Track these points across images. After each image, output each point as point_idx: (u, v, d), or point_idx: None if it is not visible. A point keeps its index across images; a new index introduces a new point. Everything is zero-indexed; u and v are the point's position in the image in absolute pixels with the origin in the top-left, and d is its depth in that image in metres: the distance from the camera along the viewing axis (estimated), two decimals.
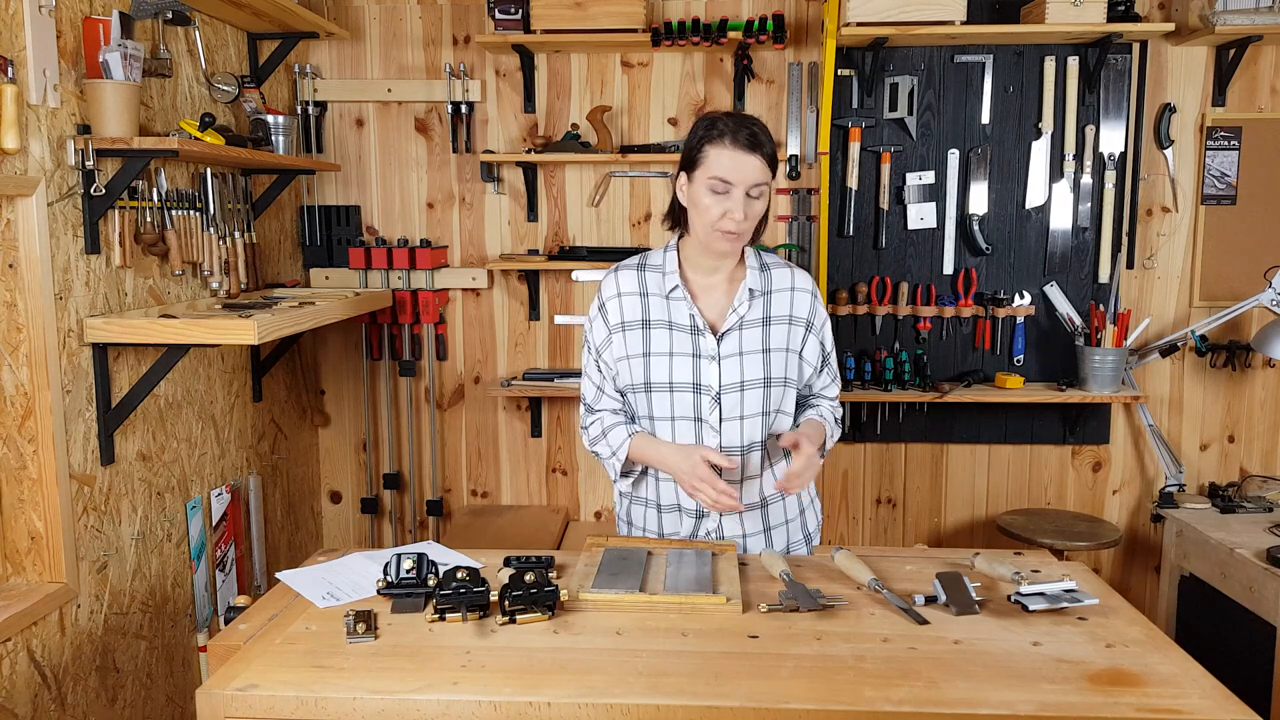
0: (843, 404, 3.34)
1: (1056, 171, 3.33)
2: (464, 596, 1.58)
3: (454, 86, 3.38)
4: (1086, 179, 3.32)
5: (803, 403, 2.02)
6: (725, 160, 1.77)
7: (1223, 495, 3.31)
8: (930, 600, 1.64)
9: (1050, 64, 3.27)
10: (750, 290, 1.89)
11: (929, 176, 3.35)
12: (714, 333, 1.89)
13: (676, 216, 1.92)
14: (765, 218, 1.88)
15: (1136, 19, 3.11)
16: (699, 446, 1.84)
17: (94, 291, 2.31)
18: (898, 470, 3.56)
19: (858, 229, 3.40)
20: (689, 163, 1.83)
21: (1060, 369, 3.39)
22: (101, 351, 2.31)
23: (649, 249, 2.60)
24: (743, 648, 1.49)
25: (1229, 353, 3.38)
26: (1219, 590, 2.87)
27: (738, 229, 1.79)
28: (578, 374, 2.88)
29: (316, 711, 1.35)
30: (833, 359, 2.03)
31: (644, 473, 1.98)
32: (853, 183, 3.35)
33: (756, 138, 1.77)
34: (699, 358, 1.88)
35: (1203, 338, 3.32)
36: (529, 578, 1.59)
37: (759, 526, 1.98)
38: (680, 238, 1.94)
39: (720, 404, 1.88)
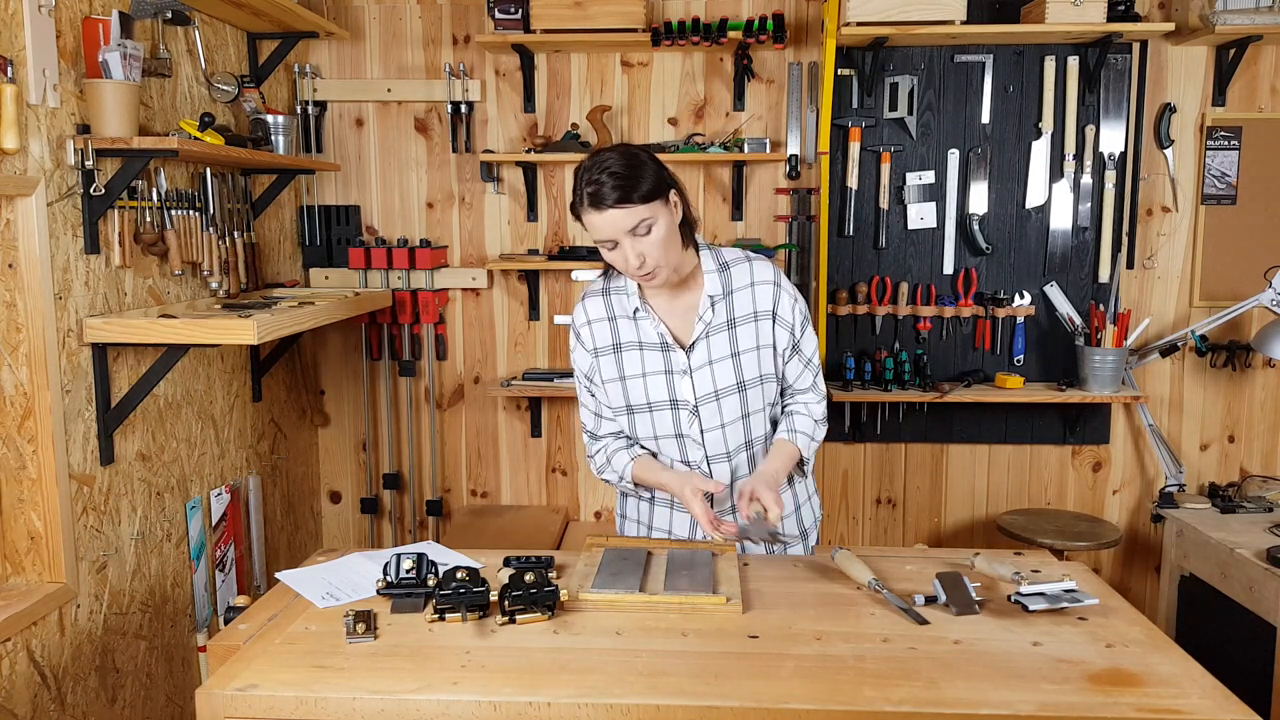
0: (842, 404, 3.39)
1: (1056, 171, 3.33)
2: (464, 596, 1.58)
3: (454, 86, 3.38)
4: (1086, 179, 3.32)
5: (780, 401, 2.00)
6: (594, 223, 1.76)
7: (1223, 495, 3.31)
8: (930, 600, 1.64)
9: (1050, 64, 3.27)
10: (711, 298, 1.89)
11: (929, 176, 3.35)
12: (683, 347, 1.90)
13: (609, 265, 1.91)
14: (689, 222, 1.86)
15: (1136, 19, 3.11)
16: (693, 475, 1.86)
17: (93, 291, 2.31)
18: (898, 470, 3.55)
19: (858, 229, 3.40)
20: None
21: (1060, 369, 3.39)
22: (101, 351, 2.31)
23: None
24: (743, 648, 1.49)
25: (1229, 353, 3.38)
26: (1219, 590, 2.87)
27: (643, 270, 1.79)
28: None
29: (316, 711, 1.35)
30: (807, 346, 1.96)
31: None
32: (853, 182, 3.35)
33: (613, 191, 1.71)
34: (671, 374, 1.89)
35: (1203, 338, 3.32)
36: (529, 578, 1.59)
37: None
38: None
39: (699, 415, 1.89)
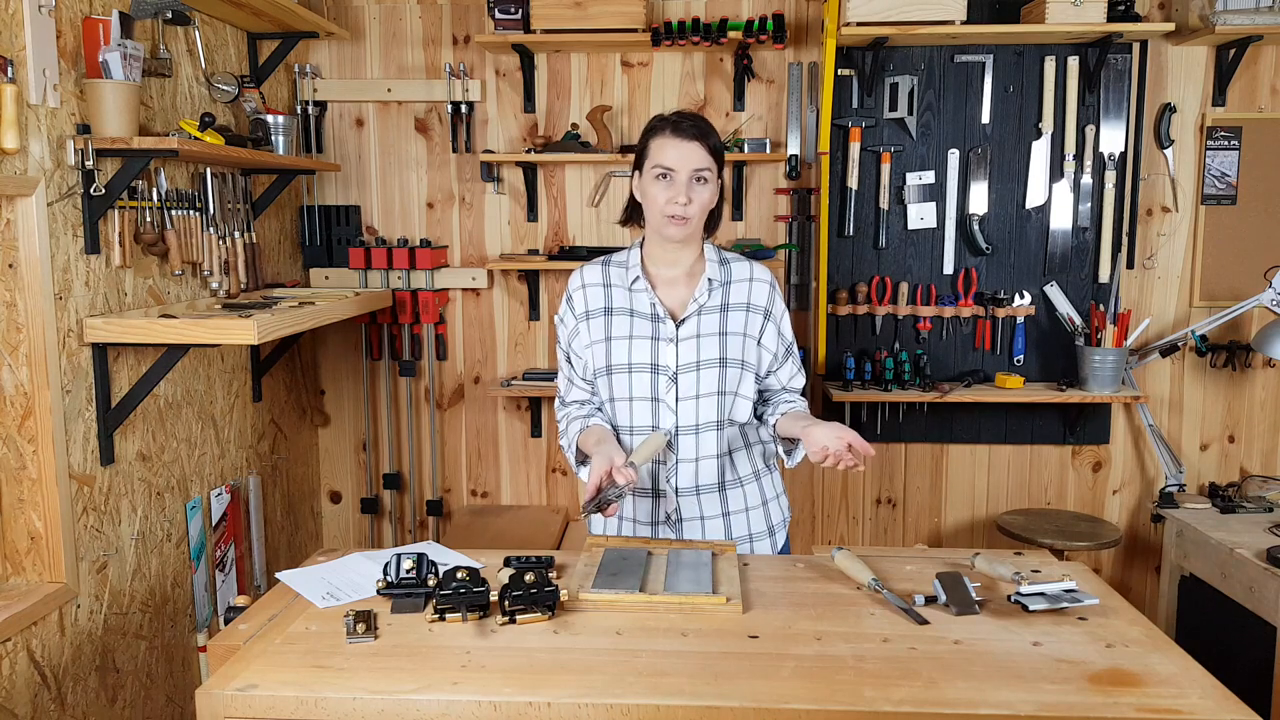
0: (842, 404, 3.39)
1: (1056, 171, 3.33)
2: (464, 596, 1.58)
3: (454, 86, 3.38)
4: (1086, 179, 3.32)
5: (772, 398, 2.04)
6: (666, 149, 1.88)
7: (1223, 495, 3.31)
8: (930, 600, 1.64)
9: (1050, 64, 3.27)
10: (710, 280, 1.97)
11: (929, 176, 3.35)
12: (674, 320, 1.96)
13: (630, 213, 2.03)
14: (718, 212, 1.99)
15: (1136, 19, 3.11)
16: (620, 456, 1.79)
17: (94, 291, 2.31)
18: (898, 470, 3.55)
19: (858, 229, 3.40)
20: (639, 160, 1.95)
21: (1060, 369, 3.39)
22: (101, 351, 2.31)
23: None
24: (743, 648, 1.49)
25: (1229, 353, 3.38)
26: (1219, 590, 2.87)
27: (684, 213, 1.88)
28: None
29: (316, 711, 1.35)
30: (795, 350, 2.07)
31: None
32: (853, 183, 3.35)
33: (694, 127, 1.88)
34: (657, 340, 1.95)
35: (1203, 338, 3.32)
36: (529, 578, 1.59)
37: (717, 510, 2.01)
38: (643, 238, 2.04)
39: (677, 383, 1.94)
